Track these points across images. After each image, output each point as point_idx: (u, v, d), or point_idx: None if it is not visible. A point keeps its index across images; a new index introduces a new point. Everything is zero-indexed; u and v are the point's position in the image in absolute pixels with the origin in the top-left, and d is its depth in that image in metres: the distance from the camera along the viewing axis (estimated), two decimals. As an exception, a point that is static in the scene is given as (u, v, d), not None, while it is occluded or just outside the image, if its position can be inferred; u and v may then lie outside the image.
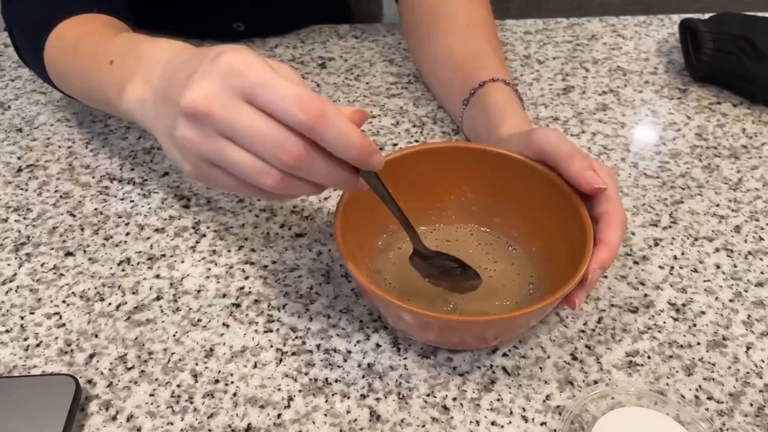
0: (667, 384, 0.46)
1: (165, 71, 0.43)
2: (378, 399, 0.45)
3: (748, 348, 0.48)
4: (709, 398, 0.45)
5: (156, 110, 0.43)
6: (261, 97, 0.36)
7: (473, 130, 0.62)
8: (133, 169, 0.63)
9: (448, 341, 0.47)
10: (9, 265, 0.55)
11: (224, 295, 0.52)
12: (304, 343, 0.49)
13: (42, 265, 0.54)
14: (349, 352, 0.48)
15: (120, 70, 0.48)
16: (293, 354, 0.48)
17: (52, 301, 0.52)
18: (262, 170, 0.37)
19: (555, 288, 0.44)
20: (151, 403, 0.45)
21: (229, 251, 0.55)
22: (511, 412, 0.45)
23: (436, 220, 0.54)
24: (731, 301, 0.51)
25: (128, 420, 0.44)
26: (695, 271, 0.54)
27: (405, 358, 0.48)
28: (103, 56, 0.51)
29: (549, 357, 0.48)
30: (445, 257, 0.48)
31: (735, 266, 0.54)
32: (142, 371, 0.47)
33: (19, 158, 0.65)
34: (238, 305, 0.51)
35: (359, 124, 0.39)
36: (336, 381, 0.46)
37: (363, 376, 0.47)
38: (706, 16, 0.77)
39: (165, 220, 0.58)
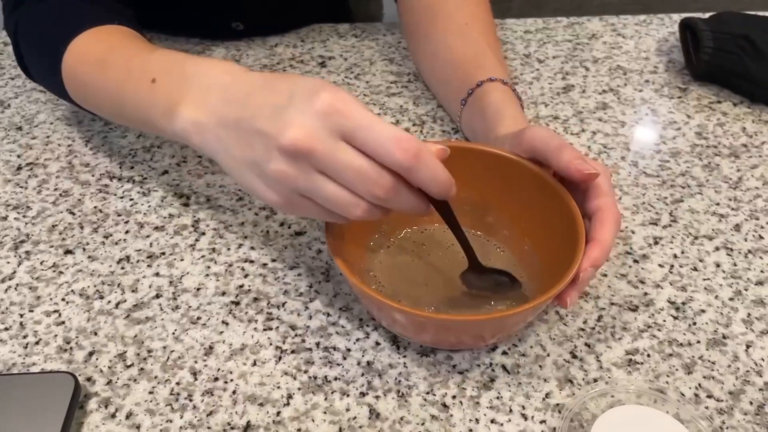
0: (667, 382, 0.46)
1: (227, 96, 0.43)
2: (377, 397, 0.45)
3: (747, 346, 0.48)
4: (709, 396, 0.45)
5: (221, 136, 0.43)
6: (362, 137, 0.38)
7: (471, 130, 0.62)
8: (132, 168, 0.63)
9: (444, 341, 0.47)
10: (8, 263, 0.54)
11: (224, 293, 0.52)
12: (303, 341, 0.49)
13: (41, 263, 0.54)
14: (349, 350, 0.48)
15: (165, 90, 0.47)
16: (293, 352, 0.48)
17: (51, 299, 0.52)
18: (353, 203, 0.40)
19: (547, 287, 0.44)
20: (150, 401, 0.45)
21: (228, 249, 0.55)
22: (511, 410, 0.44)
23: (428, 221, 0.54)
24: (731, 299, 0.51)
25: (127, 417, 0.44)
26: (695, 269, 0.54)
27: (404, 356, 0.48)
28: (139, 73, 0.50)
29: (549, 355, 0.48)
30: (498, 272, 0.48)
31: (735, 265, 0.54)
32: (142, 369, 0.47)
33: (18, 156, 0.65)
34: (237, 303, 0.51)
35: (442, 160, 0.40)
36: (335, 379, 0.46)
37: (362, 374, 0.47)
38: (707, 15, 0.77)
39: (165, 218, 0.58)
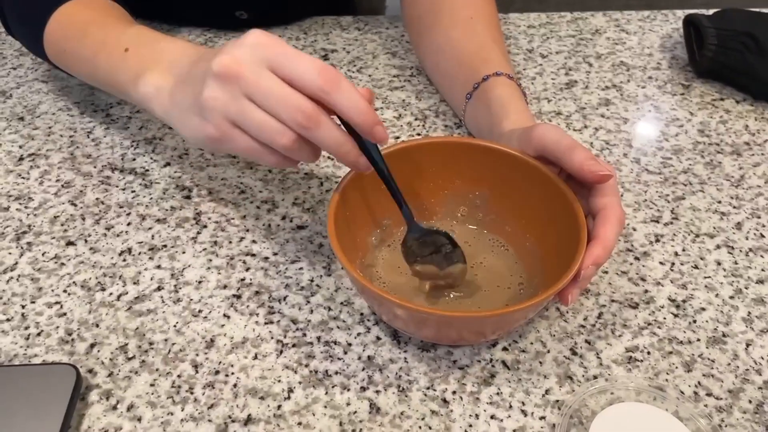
0: (667, 380, 0.46)
1: (189, 63, 0.48)
2: (378, 391, 0.45)
3: (747, 345, 0.48)
4: (708, 394, 0.45)
5: (174, 93, 0.48)
6: (285, 66, 0.41)
7: (476, 125, 0.61)
8: (134, 160, 0.63)
9: (445, 337, 0.47)
10: (10, 254, 0.55)
11: (225, 287, 0.52)
12: (304, 335, 0.49)
13: (43, 255, 0.54)
14: (350, 344, 0.48)
15: (136, 59, 0.52)
16: (294, 346, 0.48)
17: (53, 290, 0.52)
18: (279, 130, 0.42)
19: (549, 284, 0.44)
20: (152, 393, 0.45)
21: (230, 242, 0.56)
22: (511, 406, 0.45)
23: (429, 216, 0.54)
24: (731, 297, 0.52)
25: (128, 409, 0.44)
26: (696, 267, 0.54)
27: (405, 351, 0.48)
28: (114, 43, 0.54)
29: (549, 351, 0.48)
30: (437, 233, 0.48)
31: (736, 263, 0.54)
32: (143, 361, 0.47)
33: (20, 147, 0.65)
34: (238, 297, 0.51)
35: (369, 100, 0.44)
36: (336, 373, 0.46)
37: (363, 369, 0.47)
38: (711, 11, 0.77)
39: (166, 210, 0.58)
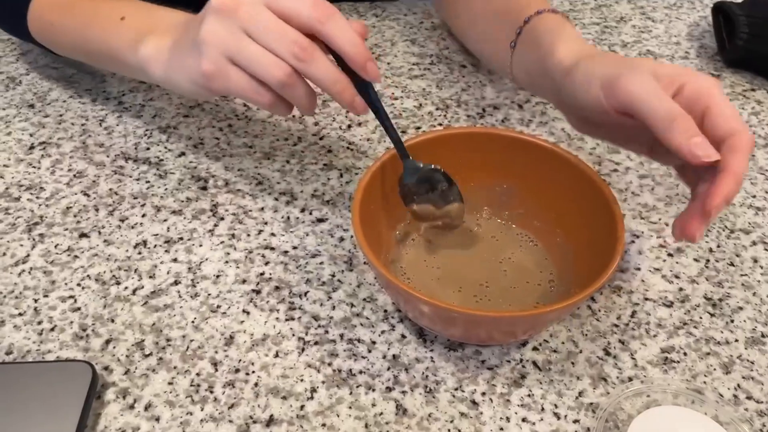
0: (705, 382, 0.44)
1: (187, 22, 0.49)
2: (404, 392, 0.44)
3: (788, 346, 0.46)
4: (749, 398, 0.43)
5: (173, 47, 0.49)
6: (281, 1, 0.43)
7: (526, 72, 0.54)
8: (148, 149, 0.61)
9: (473, 336, 0.45)
10: (22, 245, 0.53)
11: (244, 281, 0.50)
12: (326, 332, 0.47)
13: (56, 247, 0.53)
14: (374, 342, 0.47)
15: (134, 26, 0.52)
16: (316, 343, 0.46)
17: (66, 283, 0.50)
18: (275, 63, 0.43)
19: (580, 282, 0.42)
20: (170, 392, 0.44)
21: (248, 235, 0.54)
22: (543, 409, 0.43)
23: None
24: (770, 296, 0.50)
25: (146, 409, 0.43)
26: (732, 264, 0.52)
27: (431, 350, 0.46)
28: (107, 13, 0.55)
29: (581, 351, 0.46)
30: (433, 171, 0.47)
31: (773, 260, 0.52)
32: (160, 358, 0.46)
33: (31, 135, 0.63)
34: (258, 292, 0.50)
35: (362, 34, 0.44)
36: (360, 372, 0.45)
37: (388, 368, 0.45)
38: (740, -1, 0.74)
39: (182, 201, 0.56)
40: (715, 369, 0.45)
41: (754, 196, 0.57)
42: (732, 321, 0.48)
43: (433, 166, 0.47)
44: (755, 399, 0.43)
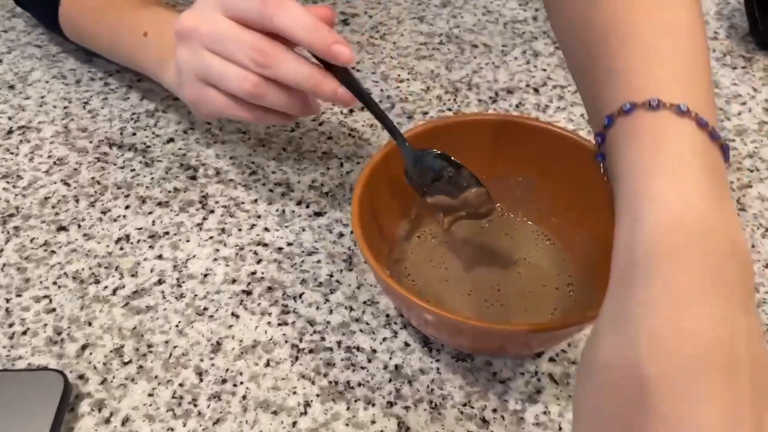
0: (739, 400, 0.40)
1: None
2: (407, 408, 0.40)
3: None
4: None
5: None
6: (233, 4, 0.39)
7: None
8: (134, 134, 0.57)
9: (483, 348, 0.41)
10: (-5, 239, 0.49)
11: (234, 281, 0.46)
12: (323, 339, 0.43)
13: (32, 241, 0.49)
14: (374, 351, 0.42)
15: (157, 45, 0.49)
16: (311, 351, 0.42)
17: (41, 282, 0.46)
18: (242, 75, 0.40)
19: (602, 286, 0.38)
20: (150, 405, 0.40)
21: (239, 230, 0.49)
22: (560, 428, 0.39)
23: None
24: (810, 303, 0.45)
25: (123, 424, 0.39)
26: (768, 267, 0.47)
27: (437, 360, 0.42)
28: (130, 26, 0.52)
29: (602, 363, 0.42)
30: (433, 156, 0.42)
31: (813, 262, 0.48)
32: (141, 367, 0.42)
33: (10, 118, 0.59)
34: (249, 293, 0.46)
35: (324, 19, 0.40)
36: (359, 385, 0.41)
37: (390, 380, 0.41)
38: (774, -25, 0.69)
39: (169, 192, 0.52)
40: (751, 385, 0.41)
41: (791, 191, 0.53)
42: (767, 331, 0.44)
43: (433, 151, 0.43)
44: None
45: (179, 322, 0.44)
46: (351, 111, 0.59)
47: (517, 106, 0.60)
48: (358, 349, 0.43)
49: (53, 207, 0.51)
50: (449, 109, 0.60)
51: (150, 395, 0.40)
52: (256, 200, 0.52)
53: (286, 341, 0.43)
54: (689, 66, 0.30)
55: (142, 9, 0.53)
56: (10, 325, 0.44)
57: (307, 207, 0.51)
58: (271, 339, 0.43)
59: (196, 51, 0.41)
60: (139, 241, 0.49)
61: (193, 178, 0.53)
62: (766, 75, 0.64)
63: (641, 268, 0.25)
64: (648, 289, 0.25)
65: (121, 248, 0.48)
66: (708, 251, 0.25)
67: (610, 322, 0.26)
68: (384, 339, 0.43)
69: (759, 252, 0.48)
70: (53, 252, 0.48)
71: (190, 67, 0.42)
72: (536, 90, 0.62)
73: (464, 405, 0.40)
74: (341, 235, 0.49)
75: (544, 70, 0.64)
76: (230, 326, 0.44)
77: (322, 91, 0.40)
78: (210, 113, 0.45)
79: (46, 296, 0.45)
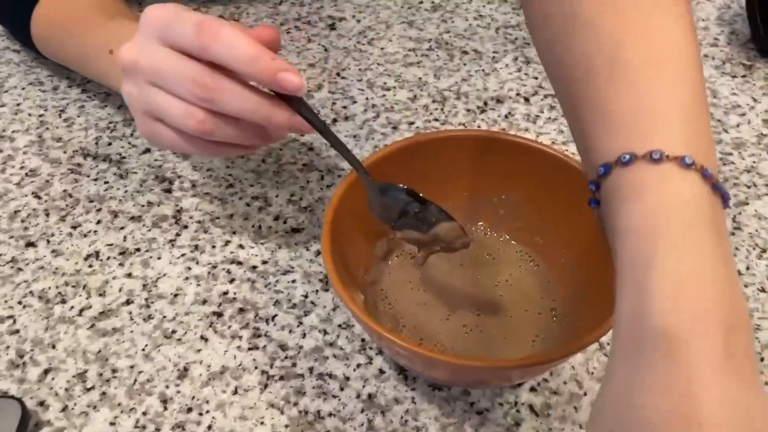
0: (729, 435, 0.38)
1: None
2: (379, 440, 0.38)
3: (827, 392, 0.40)
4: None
5: None
6: (169, 34, 0.37)
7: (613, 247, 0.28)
8: (110, 144, 0.55)
9: (460, 381, 0.39)
10: (-39, 255, 0.47)
11: (204, 302, 0.45)
12: (294, 365, 0.41)
13: (-1, 257, 0.47)
14: (347, 378, 0.41)
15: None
16: (281, 378, 0.41)
17: (6, 301, 0.45)
18: (186, 112, 0.37)
19: (587, 313, 0.36)
20: (111, 435, 0.38)
21: (213, 247, 0.48)
22: (539, 464, 0.37)
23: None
24: (807, 330, 0.43)
25: (82, 455, 0.37)
26: (763, 290, 0.45)
27: (413, 389, 0.40)
28: (95, 42, 0.48)
29: (586, 394, 0.40)
30: (396, 190, 0.40)
31: (811, 286, 0.45)
32: (104, 393, 0.40)
33: (-17, 127, 0.57)
34: (220, 315, 0.44)
35: (269, 42, 0.37)
36: (330, 415, 0.39)
37: (362, 410, 0.39)
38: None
39: (142, 206, 0.50)
40: (741, 418, 0.39)
41: (789, 209, 0.50)
42: (761, 360, 0.41)
43: (397, 186, 0.40)
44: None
45: (146, 345, 0.42)
46: (335, 120, 0.58)
47: (506, 116, 0.58)
48: (330, 376, 0.41)
49: (23, 221, 0.49)
50: (436, 120, 0.58)
51: (112, 424, 0.39)
52: (231, 215, 0.50)
53: (256, 367, 0.41)
54: (687, 104, 0.27)
55: (107, 23, 0.50)
56: (-28, 348, 0.42)
57: (285, 222, 0.49)
58: (240, 365, 0.41)
59: (140, 86, 0.38)
60: (109, 258, 0.47)
61: (168, 191, 0.52)
62: (766, 84, 0.61)
63: (650, 345, 0.23)
64: (660, 372, 0.23)
65: (90, 266, 0.47)
66: (719, 328, 0.23)
67: (616, 402, 0.24)
68: (358, 365, 0.41)
69: (754, 274, 0.46)
70: (20, 269, 0.46)
71: (137, 103, 0.39)
72: (527, 99, 0.59)
73: (439, 438, 0.38)
74: (318, 252, 0.47)
75: (536, 78, 0.62)
76: (198, 350, 0.42)
77: (273, 123, 0.38)
78: (165, 148, 0.42)
79: (10, 316, 0.44)
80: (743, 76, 0.62)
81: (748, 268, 0.47)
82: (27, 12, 0.55)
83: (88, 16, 0.51)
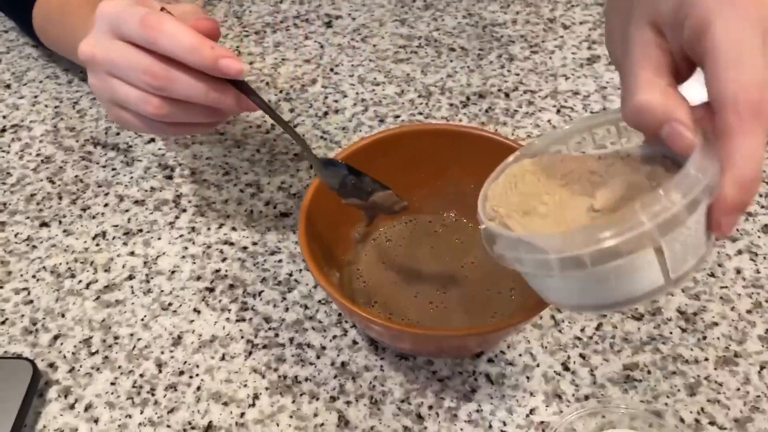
0: (666, 404, 0.42)
1: None
2: (348, 402, 0.42)
3: (762, 368, 0.44)
4: (711, 423, 0.41)
5: None
6: (120, 29, 0.40)
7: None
8: (118, 134, 0.60)
9: (423, 351, 0.43)
10: (-17, 233, 0.52)
11: (199, 278, 0.49)
12: (276, 335, 0.46)
13: (16, 236, 0.52)
14: (324, 348, 0.45)
15: None
16: (264, 347, 0.45)
17: (22, 275, 0.50)
18: (143, 99, 0.40)
19: None
20: (112, 393, 0.43)
21: (208, 229, 0.52)
22: (491, 426, 0.41)
23: (418, 209, 0.50)
24: (749, 312, 0.46)
25: (86, 410, 0.42)
26: (712, 275, 0.49)
27: (382, 359, 0.44)
28: (83, 31, 0.49)
29: (538, 365, 0.44)
30: (333, 165, 0.44)
31: (758, 272, 0.49)
32: (106, 357, 0.45)
33: (4, 117, 0.62)
34: (212, 290, 0.48)
35: (209, 32, 0.40)
36: (306, 380, 0.43)
37: (335, 376, 0.44)
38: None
39: (146, 191, 0.55)
40: (679, 390, 0.42)
41: (746, 200, 0.54)
42: (704, 338, 0.45)
43: (329, 159, 0.44)
44: (718, 425, 0.41)
45: (145, 316, 0.47)
46: (326, 113, 0.62)
47: (486, 110, 0.62)
48: (308, 345, 0.45)
49: (38, 203, 0.54)
50: (420, 113, 0.62)
51: (112, 384, 0.44)
52: (227, 200, 0.54)
53: (242, 336, 0.46)
54: None
55: (92, 12, 0.53)
56: (-9, 315, 0.47)
57: (275, 207, 0.54)
58: (228, 334, 0.46)
59: (100, 77, 0.41)
60: (114, 237, 0.52)
61: (170, 177, 0.56)
62: (737, 82, 0.64)
63: None
64: None
65: (97, 244, 0.52)
66: None
67: None
68: (334, 337, 0.46)
69: (705, 261, 0.50)
70: (35, 247, 0.51)
71: (101, 93, 0.43)
72: (507, 95, 0.63)
73: (402, 401, 0.42)
74: (304, 235, 0.52)
75: (517, 74, 0.65)
76: (191, 321, 0.47)
77: (222, 105, 0.41)
78: (133, 130, 0.46)
79: (25, 288, 0.49)
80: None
81: (700, 255, 0.50)
82: (29, 4, 0.59)
83: (79, 5, 0.54)
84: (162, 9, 0.41)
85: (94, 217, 0.53)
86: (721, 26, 0.28)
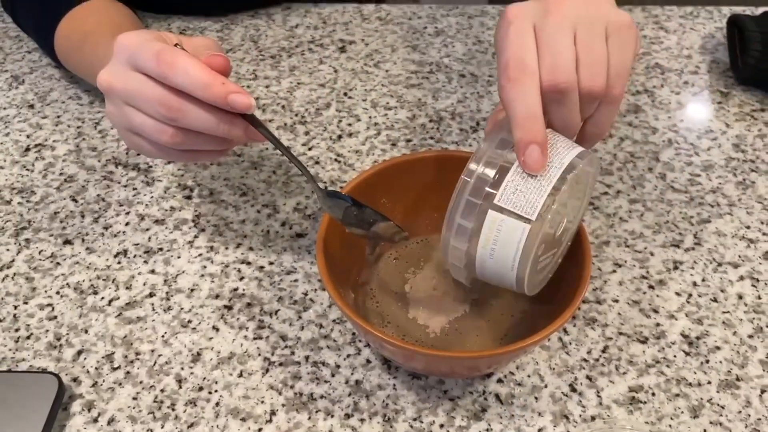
0: (670, 425, 0.43)
1: None
2: (362, 420, 0.44)
3: (762, 391, 0.45)
4: (714, 445, 0.42)
5: None
6: (136, 62, 0.41)
7: None
8: (138, 155, 0.62)
9: (435, 371, 0.45)
10: (8, 250, 0.54)
11: (217, 296, 0.51)
12: (293, 353, 0.47)
13: (40, 253, 0.54)
14: (338, 366, 0.47)
15: None
16: (281, 365, 0.47)
17: (46, 291, 0.51)
18: (158, 129, 0.42)
19: (551, 312, 0.41)
20: (134, 407, 0.45)
21: (226, 248, 0.54)
22: (500, 445, 0.43)
23: (431, 230, 0.52)
24: (750, 337, 0.48)
25: (109, 423, 0.44)
26: (715, 300, 0.50)
27: (394, 378, 0.46)
28: (102, 57, 0.51)
29: (546, 386, 0.45)
30: (337, 197, 0.45)
31: (759, 298, 0.50)
32: (128, 372, 0.46)
33: (28, 136, 0.64)
34: (230, 308, 0.50)
35: (220, 69, 0.42)
36: (321, 397, 0.45)
37: (349, 394, 0.45)
38: (760, 10, 0.71)
39: (166, 211, 0.57)
40: (682, 412, 0.44)
41: (748, 227, 0.55)
42: (707, 361, 0.47)
43: (333, 191, 0.46)
44: (721, 447, 0.42)
45: (165, 332, 0.49)
46: (339, 137, 0.64)
47: (495, 136, 0.63)
48: (323, 364, 0.47)
49: (61, 221, 0.56)
50: (431, 138, 0.63)
51: (134, 398, 0.45)
52: (244, 220, 0.56)
53: (259, 354, 0.47)
54: None
55: (111, 40, 0.54)
56: (16, 330, 0.49)
57: (290, 228, 0.56)
58: (245, 351, 0.47)
59: (118, 106, 0.43)
60: (135, 255, 0.54)
61: (189, 197, 0.58)
62: (739, 111, 0.66)
63: None
64: None
65: (119, 262, 0.53)
66: None
67: None
68: (348, 355, 0.47)
69: (708, 286, 0.51)
70: (58, 264, 0.53)
71: (117, 121, 0.44)
72: (515, 121, 0.65)
73: (414, 419, 0.44)
74: (319, 256, 0.53)
75: (526, 101, 0.67)
76: (210, 338, 0.48)
77: (232, 137, 0.43)
78: (148, 156, 0.48)
79: (49, 304, 0.50)
80: (719, 103, 0.67)
81: (704, 280, 0.52)
82: (52, 27, 0.62)
83: (98, 32, 0.57)
84: (176, 45, 0.43)
85: (115, 236, 0.55)
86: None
